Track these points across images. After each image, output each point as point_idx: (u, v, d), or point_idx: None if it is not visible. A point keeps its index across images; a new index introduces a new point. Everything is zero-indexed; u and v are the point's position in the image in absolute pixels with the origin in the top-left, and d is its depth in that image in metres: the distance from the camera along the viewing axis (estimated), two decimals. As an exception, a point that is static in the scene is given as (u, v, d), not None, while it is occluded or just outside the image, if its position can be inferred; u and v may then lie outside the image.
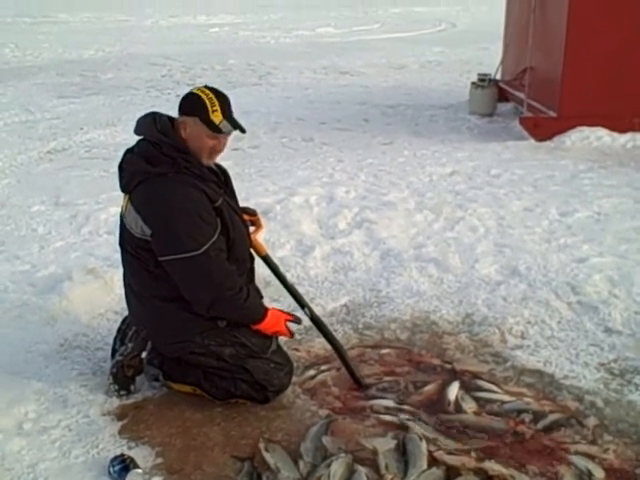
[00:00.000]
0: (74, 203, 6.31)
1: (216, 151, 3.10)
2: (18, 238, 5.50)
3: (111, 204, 5.98)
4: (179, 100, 3.07)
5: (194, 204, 2.95)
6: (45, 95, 12.14)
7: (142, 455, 2.86)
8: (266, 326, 3.19)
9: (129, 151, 3.13)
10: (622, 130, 8.19)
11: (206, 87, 3.05)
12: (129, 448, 2.91)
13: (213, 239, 2.97)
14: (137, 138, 3.12)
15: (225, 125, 3.00)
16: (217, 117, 2.97)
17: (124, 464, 2.71)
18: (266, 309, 3.21)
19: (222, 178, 3.26)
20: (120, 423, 3.10)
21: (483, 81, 10.14)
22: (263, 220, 3.68)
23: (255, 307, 3.18)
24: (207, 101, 2.96)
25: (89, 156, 8.21)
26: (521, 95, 9.29)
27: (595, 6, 7.83)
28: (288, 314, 3.33)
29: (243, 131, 3.07)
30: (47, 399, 3.25)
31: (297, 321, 3.33)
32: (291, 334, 3.30)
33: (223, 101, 3.01)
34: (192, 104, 3.00)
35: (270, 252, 3.57)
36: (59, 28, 24.20)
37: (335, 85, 13.20)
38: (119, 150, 3.28)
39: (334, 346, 3.46)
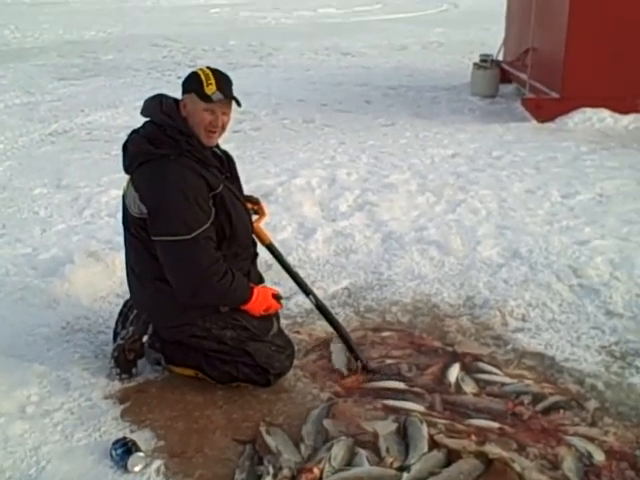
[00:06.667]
0: (75, 186, 6.29)
1: (214, 127, 3.05)
2: (20, 221, 5.49)
3: (112, 187, 5.97)
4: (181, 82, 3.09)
5: (191, 188, 2.94)
6: (46, 77, 12.06)
7: (144, 438, 2.86)
8: (254, 305, 3.16)
9: (134, 132, 3.14)
10: (625, 111, 8.15)
11: (207, 67, 3.08)
12: (131, 431, 2.92)
13: (204, 227, 2.95)
14: (140, 120, 3.13)
15: (217, 95, 2.98)
16: (211, 89, 2.98)
17: (126, 447, 2.72)
18: (251, 288, 3.17)
19: (226, 164, 3.25)
20: (122, 406, 3.11)
21: (485, 62, 10.08)
22: (266, 208, 3.67)
23: (242, 288, 3.14)
24: (202, 76, 3.00)
25: (90, 138, 8.15)
26: (523, 76, 9.22)
27: (598, -14, 7.77)
28: (271, 289, 3.35)
29: (238, 103, 3.07)
30: (49, 382, 3.25)
31: (280, 297, 3.34)
32: (280, 305, 3.32)
33: (220, 77, 3.02)
34: (189, 81, 3.05)
35: (271, 235, 3.57)
36: (59, 9, 23.94)
37: (336, 66, 13.12)
38: (120, 132, 3.28)
39: (338, 331, 3.47)
